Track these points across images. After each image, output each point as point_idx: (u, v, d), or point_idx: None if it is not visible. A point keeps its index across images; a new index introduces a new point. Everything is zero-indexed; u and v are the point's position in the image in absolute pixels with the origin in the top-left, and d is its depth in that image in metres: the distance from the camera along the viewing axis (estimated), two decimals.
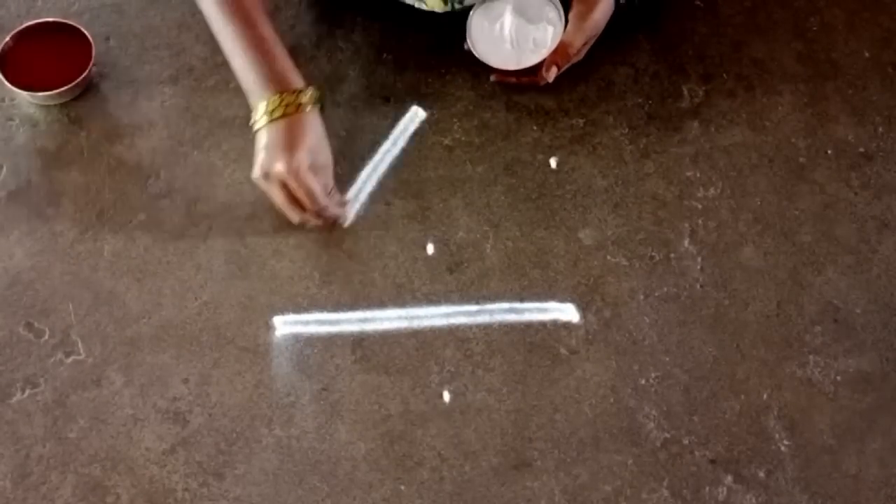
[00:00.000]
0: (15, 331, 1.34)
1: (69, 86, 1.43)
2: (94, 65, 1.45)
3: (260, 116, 1.30)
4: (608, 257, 1.40)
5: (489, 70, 1.44)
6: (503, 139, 1.47)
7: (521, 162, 1.46)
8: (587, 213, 1.43)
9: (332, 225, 1.39)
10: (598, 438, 1.30)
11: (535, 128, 1.48)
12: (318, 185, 1.31)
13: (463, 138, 1.47)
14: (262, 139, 1.30)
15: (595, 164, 1.46)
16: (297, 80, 1.31)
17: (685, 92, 1.52)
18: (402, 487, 1.27)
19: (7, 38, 1.45)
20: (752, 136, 1.49)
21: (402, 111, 1.47)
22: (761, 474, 1.30)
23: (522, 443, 1.30)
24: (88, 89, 1.48)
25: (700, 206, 1.44)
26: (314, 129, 1.31)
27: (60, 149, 1.44)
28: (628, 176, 1.45)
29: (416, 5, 1.45)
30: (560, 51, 1.40)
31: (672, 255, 1.41)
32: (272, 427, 1.30)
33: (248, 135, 1.40)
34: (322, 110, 1.32)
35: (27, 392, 1.30)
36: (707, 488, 1.29)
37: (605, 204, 1.44)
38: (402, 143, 1.46)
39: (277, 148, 1.29)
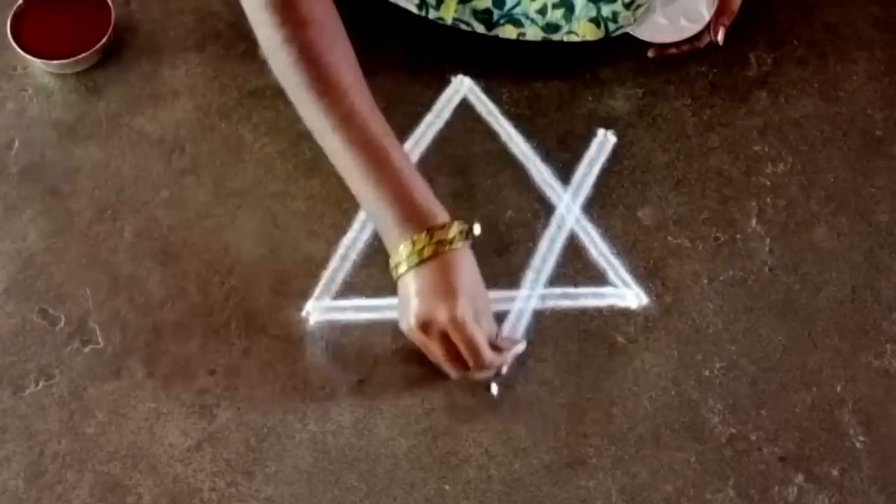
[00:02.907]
0: (28, 318, 1.32)
1: (86, 53, 1.41)
2: (113, 30, 1.43)
3: (406, 257, 1.21)
4: (669, 238, 1.39)
5: (647, 46, 1.45)
6: (556, 110, 1.46)
7: (574, 135, 1.45)
8: (646, 191, 1.42)
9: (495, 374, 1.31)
10: (659, 434, 1.29)
11: (590, 98, 1.47)
12: (482, 334, 1.23)
13: (513, 110, 1.45)
14: (413, 284, 1.21)
15: (655, 137, 1.45)
16: (442, 213, 1.23)
17: (752, 60, 1.51)
18: (447, 487, 1.25)
19: (20, 2, 1.43)
20: (825, 108, 1.48)
21: (446, 80, 1.46)
22: (835, 473, 1.27)
23: (577, 439, 1.28)
24: (107, 57, 1.46)
25: (768, 183, 1.43)
26: (471, 268, 1.23)
27: (77, 121, 1.43)
28: (691, 150, 1.44)
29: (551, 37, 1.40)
30: (723, 9, 1.42)
31: (738, 236, 1.39)
32: (306, 422, 1.28)
33: (280, 106, 1.42)
34: (473, 245, 1.25)
35: (41, 384, 1.28)
36: (776, 488, 1.26)
37: (666, 181, 1.42)
38: (446, 115, 1.45)
39: (435, 294, 1.20)
